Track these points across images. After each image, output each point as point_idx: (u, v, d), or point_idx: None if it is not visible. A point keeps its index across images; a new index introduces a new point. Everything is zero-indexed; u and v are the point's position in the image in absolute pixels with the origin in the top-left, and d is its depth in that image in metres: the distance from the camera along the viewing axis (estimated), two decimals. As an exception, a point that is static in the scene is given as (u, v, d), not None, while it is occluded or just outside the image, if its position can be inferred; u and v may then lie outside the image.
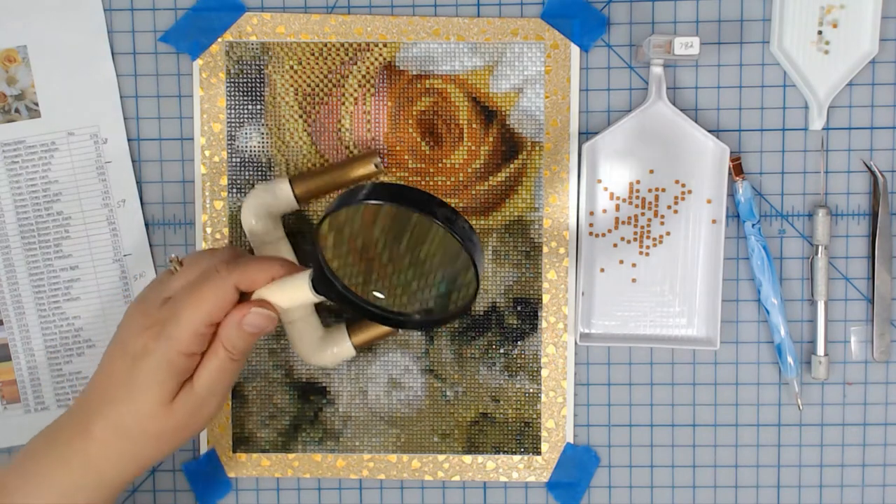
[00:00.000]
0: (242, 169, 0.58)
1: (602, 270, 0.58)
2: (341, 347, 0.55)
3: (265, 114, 0.58)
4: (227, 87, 0.58)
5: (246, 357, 0.49)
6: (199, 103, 0.58)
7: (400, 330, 0.57)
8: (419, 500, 0.59)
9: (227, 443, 0.59)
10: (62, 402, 0.59)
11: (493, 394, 0.59)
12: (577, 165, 0.57)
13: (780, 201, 0.58)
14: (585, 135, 0.58)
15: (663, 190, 0.57)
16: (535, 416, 0.58)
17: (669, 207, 0.57)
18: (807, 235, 0.58)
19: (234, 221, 0.58)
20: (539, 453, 0.59)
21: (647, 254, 0.58)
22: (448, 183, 0.58)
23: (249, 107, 0.58)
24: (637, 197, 0.57)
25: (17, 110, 0.58)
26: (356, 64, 0.57)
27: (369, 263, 0.47)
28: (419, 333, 0.58)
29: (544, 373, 0.58)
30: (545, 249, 0.58)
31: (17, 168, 0.58)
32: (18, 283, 0.58)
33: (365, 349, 0.58)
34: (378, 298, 0.48)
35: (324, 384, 0.59)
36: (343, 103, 0.58)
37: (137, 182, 0.58)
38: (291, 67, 0.57)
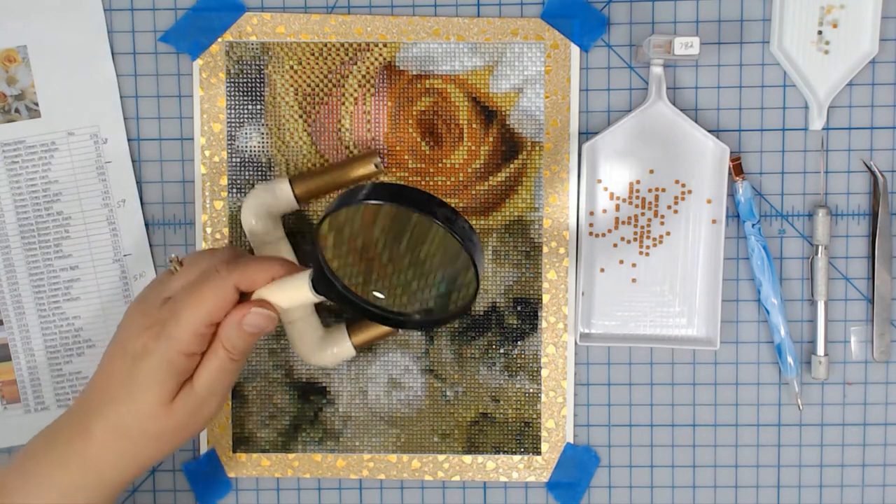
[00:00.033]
0: (242, 169, 0.58)
1: (602, 270, 0.58)
2: (341, 347, 0.55)
3: (265, 114, 0.58)
4: (227, 87, 0.58)
5: (246, 357, 0.49)
6: (199, 103, 0.58)
7: (400, 330, 0.57)
8: (419, 500, 0.59)
9: (227, 443, 0.59)
10: (62, 402, 0.59)
11: (493, 394, 0.59)
12: (577, 165, 0.57)
13: (780, 201, 0.58)
14: (585, 135, 0.58)
15: (663, 190, 0.57)
16: (535, 416, 0.58)
17: (669, 207, 0.57)
18: (807, 235, 0.58)
19: (234, 221, 0.58)
20: (539, 453, 0.59)
21: (647, 254, 0.58)
22: (448, 183, 0.58)
23: (249, 107, 0.58)
24: (637, 197, 0.57)
25: (17, 110, 0.58)
26: (356, 64, 0.57)
27: (369, 263, 0.47)
28: (419, 333, 0.58)
29: (544, 373, 0.58)
30: (545, 249, 0.58)
31: (17, 168, 0.58)
32: (18, 283, 0.58)
33: (365, 349, 0.58)
34: (378, 298, 0.48)
35: (324, 384, 0.59)
36: (343, 103, 0.58)
37: (137, 182, 0.58)
38: (291, 67, 0.57)
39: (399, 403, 0.59)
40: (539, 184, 0.58)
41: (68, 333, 0.59)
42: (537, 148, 0.58)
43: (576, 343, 0.58)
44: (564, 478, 0.59)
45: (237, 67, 0.57)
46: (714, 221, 0.57)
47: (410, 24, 0.57)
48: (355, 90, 0.57)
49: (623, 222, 0.58)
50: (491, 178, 0.58)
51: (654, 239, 0.58)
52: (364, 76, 0.57)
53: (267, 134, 0.58)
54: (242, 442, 0.59)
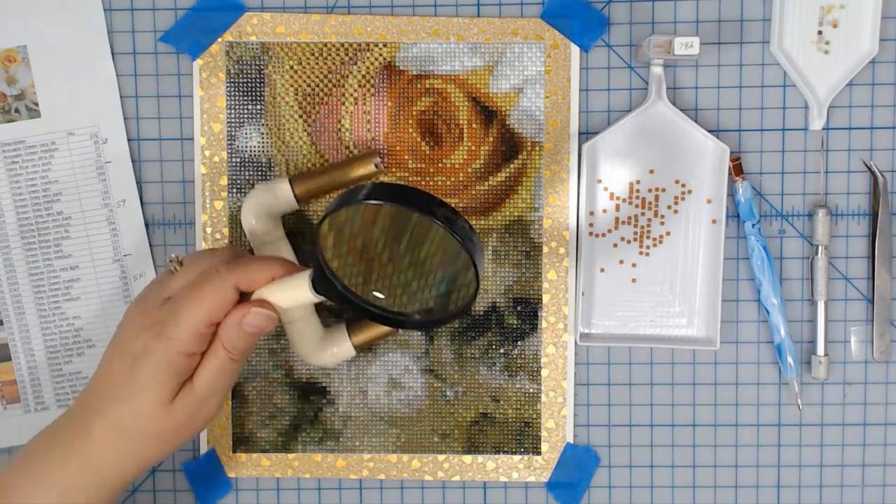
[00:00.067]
0: (242, 169, 0.58)
1: (602, 270, 0.58)
2: (341, 347, 0.55)
3: (265, 114, 0.58)
4: (227, 87, 0.58)
5: (246, 357, 0.49)
6: (199, 103, 0.58)
7: (400, 330, 0.57)
8: (419, 500, 0.59)
9: (227, 443, 0.59)
10: (62, 402, 0.59)
11: (493, 394, 0.59)
12: (577, 165, 0.57)
13: (780, 201, 0.58)
14: (585, 135, 0.58)
15: (663, 190, 0.57)
16: (535, 416, 0.58)
17: (669, 207, 0.57)
18: (807, 235, 0.58)
19: (234, 221, 0.58)
20: (539, 453, 0.59)
21: (647, 254, 0.58)
22: (448, 183, 0.58)
23: (249, 107, 0.58)
24: (637, 197, 0.57)
25: (17, 110, 0.58)
26: (356, 64, 0.57)
27: (369, 263, 0.47)
28: (419, 333, 0.58)
29: (544, 373, 0.58)
30: (545, 249, 0.58)
31: (17, 168, 0.58)
32: (18, 283, 0.58)
33: (365, 349, 0.58)
34: (378, 298, 0.48)
35: (324, 384, 0.59)
36: (343, 103, 0.58)
37: (137, 182, 0.58)
38: (291, 67, 0.57)
39: (399, 403, 0.59)
40: (539, 184, 0.58)
41: (68, 333, 0.59)
42: (537, 148, 0.58)
43: (576, 343, 0.58)
44: (564, 478, 0.59)
45: (237, 67, 0.57)
46: (714, 221, 0.57)
47: (410, 24, 0.57)
48: (355, 90, 0.57)
49: (623, 222, 0.58)
50: (491, 178, 0.58)
51: (654, 239, 0.58)
52: (364, 76, 0.57)
53: (267, 134, 0.58)
54: (242, 442, 0.59)
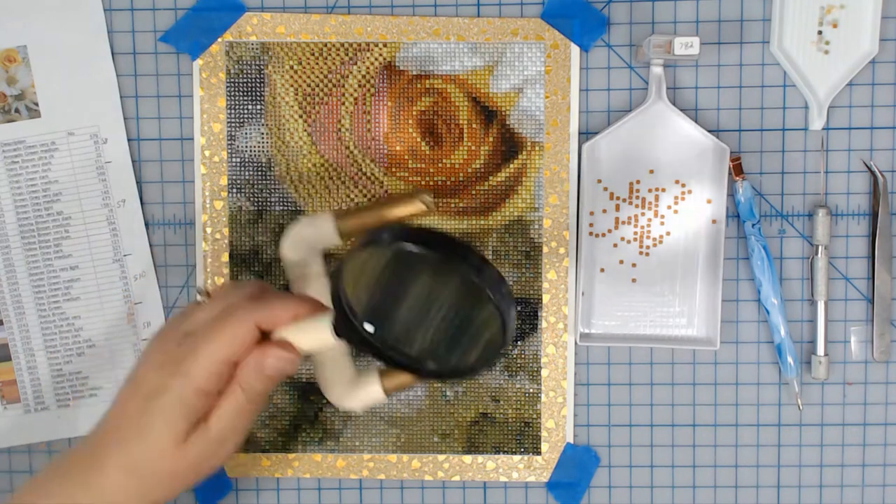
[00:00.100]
0: (242, 169, 0.58)
1: (602, 270, 0.58)
2: (371, 392, 0.52)
3: (265, 114, 0.58)
4: (227, 87, 0.58)
5: (264, 399, 0.47)
6: (199, 103, 0.58)
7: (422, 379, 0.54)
8: (419, 500, 0.59)
9: (227, 443, 0.59)
10: (62, 402, 0.59)
11: (493, 394, 0.59)
12: (577, 165, 0.57)
13: (780, 201, 0.58)
14: (585, 135, 0.58)
15: (663, 190, 0.57)
16: (535, 416, 0.58)
17: (669, 207, 0.57)
18: (807, 235, 0.58)
19: (234, 221, 0.58)
20: (539, 453, 0.59)
21: (647, 254, 0.58)
22: (448, 183, 0.58)
23: (249, 107, 0.58)
24: (637, 197, 0.57)
25: (17, 110, 0.58)
26: (356, 64, 0.57)
27: (392, 308, 0.44)
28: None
29: (544, 373, 0.58)
30: (545, 249, 0.58)
31: (17, 168, 0.58)
32: (18, 283, 0.58)
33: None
34: (399, 344, 0.45)
35: (324, 384, 0.59)
36: (343, 103, 0.58)
37: (137, 182, 0.58)
38: (291, 67, 0.57)
39: (399, 403, 0.59)
40: (539, 184, 0.58)
41: (68, 333, 0.59)
42: (537, 148, 0.58)
43: (576, 343, 0.58)
44: (564, 478, 0.59)
45: (237, 67, 0.57)
46: (714, 221, 0.57)
47: (410, 24, 0.57)
48: (355, 90, 0.57)
49: (623, 222, 0.58)
50: (491, 178, 0.58)
51: (654, 239, 0.58)
52: (364, 76, 0.57)
53: (267, 134, 0.58)
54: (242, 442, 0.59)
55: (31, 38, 0.57)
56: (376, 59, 0.57)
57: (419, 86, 0.57)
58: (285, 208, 0.58)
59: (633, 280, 0.58)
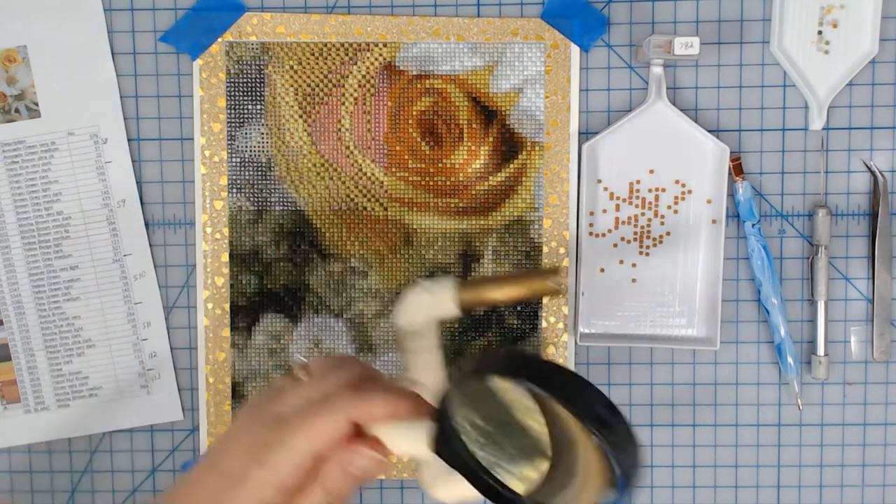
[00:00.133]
0: (242, 169, 0.58)
1: (602, 270, 0.58)
2: (465, 489, 0.46)
3: (265, 114, 0.58)
4: (227, 87, 0.58)
5: (346, 500, 0.43)
6: (199, 103, 0.58)
7: None
8: (419, 500, 0.59)
9: (227, 443, 0.59)
10: (62, 402, 0.59)
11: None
12: (577, 165, 0.57)
13: (780, 201, 0.58)
14: (585, 135, 0.58)
15: (663, 190, 0.57)
16: (535, 416, 0.58)
17: (669, 207, 0.57)
18: (807, 235, 0.58)
19: (234, 221, 0.58)
20: (539, 453, 0.58)
21: (647, 254, 0.58)
22: (448, 183, 0.58)
23: (249, 107, 0.58)
24: (637, 197, 0.57)
25: (17, 110, 0.58)
26: (356, 64, 0.57)
27: (500, 437, 0.40)
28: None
29: (544, 373, 0.58)
30: (545, 249, 0.58)
31: (17, 168, 0.58)
32: (18, 283, 0.58)
33: (367, 350, 0.58)
34: (500, 476, 0.40)
35: (324, 384, 0.59)
36: (343, 103, 0.58)
37: (137, 182, 0.58)
38: (291, 67, 0.57)
39: (399, 403, 0.59)
40: (539, 184, 0.58)
41: (68, 333, 0.59)
42: (537, 148, 0.58)
43: (576, 343, 0.58)
44: (564, 478, 0.59)
45: (237, 67, 0.57)
46: (714, 221, 0.57)
47: (410, 24, 0.57)
48: (355, 90, 0.57)
49: (623, 222, 0.58)
50: (491, 178, 0.58)
51: (654, 239, 0.58)
52: (364, 76, 0.57)
53: (267, 134, 0.58)
54: (242, 442, 0.59)
55: (31, 38, 0.57)
56: (376, 59, 0.57)
57: (419, 86, 0.57)
58: (285, 208, 0.58)
59: (633, 280, 0.58)
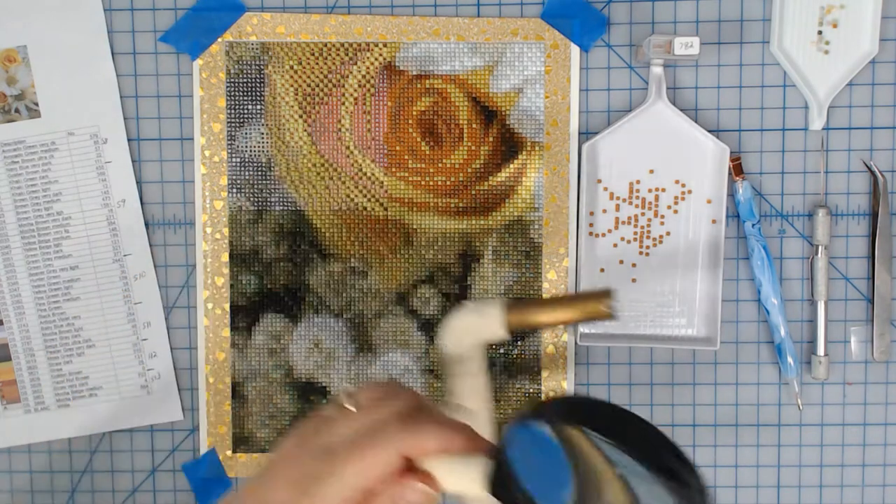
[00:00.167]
0: (242, 169, 0.58)
1: (602, 270, 0.58)
2: None
3: (265, 114, 0.58)
4: (227, 87, 0.58)
5: None
6: (199, 103, 0.58)
7: None
8: (419, 500, 0.59)
9: (227, 443, 0.59)
10: (62, 402, 0.59)
11: (494, 394, 0.59)
12: (577, 165, 0.57)
13: (780, 201, 0.58)
14: (585, 135, 0.58)
15: (663, 190, 0.57)
16: (535, 416, 0.58)
17: (669, 207, 0.57)
18: (807, 235, 0.58)
19: (234, 221, 0.58)
20: (539, 453, 0.58)
21: (647, 254, 0.58)
22: (448, 183, 0.58)
23: (249, 107, 0.58)
24: (637, 197, 0.57)
25: (17, 110, 0.58)
26: (356, 64, 0.57)
27: (561, 479, 0.38)
28: (419, 332, 0.58)
29: (544, 373, 0.58)
30: (545, 249, 0.58)
31: (17, 168, 0.58)
32: (18, 283, 0.58)
33: (367, 350, 0.58)
34: None
35: (324, 384, 0.59)
36: (343, 103, 0.58)
37: (137, 182, 0.58)
38: (291, 67, 0.57)
39: (399, 403, 0.59)
40: (539, 184, 0.58)
41: (68, 333, 0.59)
42: (537, 148, 0.58)
43: (576, 343, 0.58)
44: (564, 478, 0.59)
45: (237, 67, 0.57)
46: (714, 221, 0.57)
47: (410, 24, 0.57)
48: (355, 90, 0.57)
49: (623, 222, 0.58)
50: (491, 178, 0.58)
51: (654, 239, 0.58)
52: (364, 76, 0.57)
53: (267, 134, 0.58)
54: (242, 442, 0.59)
55: (31, 38, 0.57)
56: (376, 59, 0.57)
57: (419, 86, 0.57)
58: (285, 208, 0.58)
59: (633, 280, 0.58)
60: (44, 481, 0.60)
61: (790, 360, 0.57)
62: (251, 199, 0.58)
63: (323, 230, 0.58)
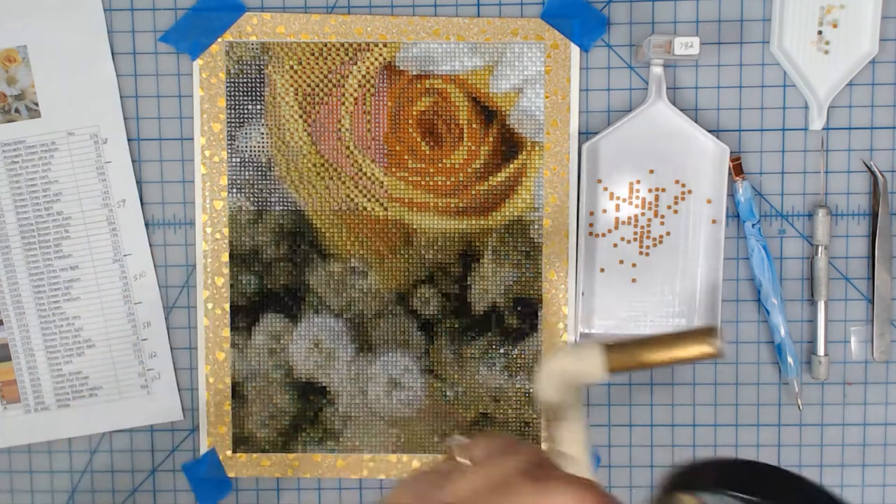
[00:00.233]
0: (242, 169, 0.58)
1: (602, 270, 0.58)
2: None
3: (265, 114, 0.58)
4: (227, 87, 0.58)
5: None
6: (199, 103, 0.58)
7: None
8: (419, 500, 0.59)
9: (227, 443, 0.59)
10: (62, 402, 0.59)
11: (493, 394, 0.59)
12: (577, 165, 0.57)
13: (780, 201, 0.58)
14: (585, 135, 0.58)
15: (663, 190, 0.57)
16: (535, 416, 0.58)
17: (669, 207, 0.57)
18: (807, 235, 0.58)
19: (234, 221, 0.58)
20: (539, 453, 0.59)
21: (647, 254, 0.58)
22: (448, 183, 0.58)
23: (249, 107, 0.58)
24: (637, 197, 0.57)
25: (17, 110, 0.58)
26: (356, 64, 0.57)
27: None
28: (419, 332, 0.58)
29: (544, 373, 0.58)
30: (545, 249, 0.58)
31: (17, 168, 0.58)
32: (18, 283, 0.58)
33: (367, 350, 0.58)
34: None
35: (324, 384, 0.59)
36: (343, 103, 0.58)
37: (137, 182, 0.58)
38: (291, 67, 0.57)
39: (399, 403, 0.59)
40: (539, 184, 0.58)
41: (68, 333, 0.59)
42: (537, 148, 0.58)
43: (576, 343, 0.58)
44: (564, 478, 0.59)
45: (237, 67, 0.57)
46: (714, 221, 0.57)
47: (410, 24, 0.57)
48: (355, 90, 0.57)
49: (623, 222, 0.58)
50: (491, 178, 0.58)
51: (654, 239, 0.58)
52: (364, 76, 0.57)
53: (267, 134, 0.58)
54: (242, 442, 0.59)
55: (31, 38, 0.57)
56: (376, 59, 0.57)
57: (419, 86, 0.57)
58: (285, 208, 0.58)
59: (633, 280, 0.58)
60: (44, 481, 0.60)
61: (790, 360, 0.57)
62: (251, 199, 0.58)
63: (323, 230, 0.58)
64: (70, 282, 0.58)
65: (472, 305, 0.58)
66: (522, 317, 0.58)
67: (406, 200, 0.58)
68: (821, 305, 0.57)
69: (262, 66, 0.57)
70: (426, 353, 0.58)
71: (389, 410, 0.59)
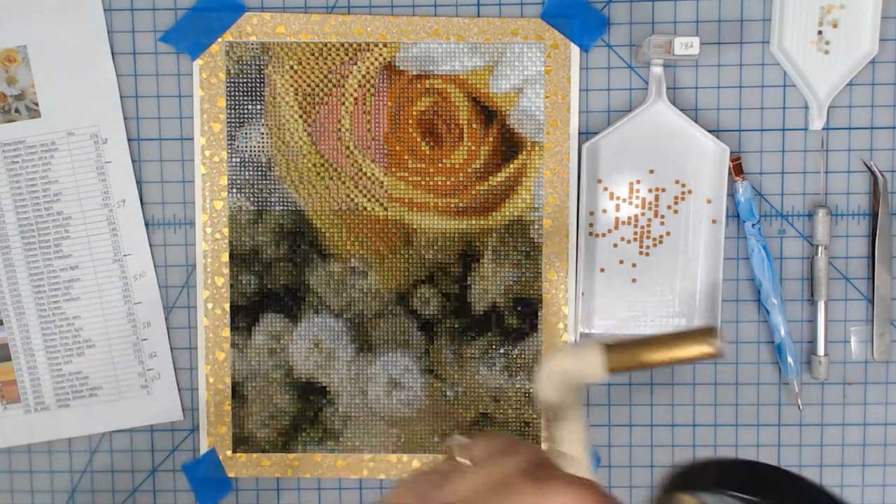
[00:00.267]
0: (242, 169, 0.58)
1: (602, 270, 0.58)
2: None
3: (265, 114, 0.58)
4: (227, 87, 0.58)
5: None
6: (199, 103, 0.58)
7: None
8: (419, 500, 0.59)
9: (227, 443, 0.59)
10: (62, 402, 0.59)
11: (493, 394, 0.59)
12: (577, 165, 0.57)
13: (780, 201, 0.58)
14: (585, 135, 0.58)
15: (663, 190, 0.57)
16: (535, 416, 0.58)
17: (669, 207, 0.57)
18: (807, 235, 0.58)
19: (234, 221, 0.58)
20: (539, 453, 0.59)
21: (647, 254, 0.58)
22: (448, 183, 0.58)
23: (249, 107, 0.58)
24: (637, 197, 0.57)
25: (17, 110, 0.58)
26: (356, 64, 0.57)
27: None
28: (419, 332, 0.58)
29: (544, 373, 0.58)
30: (545, 249, 0.58)
31: (17, 168, 0.58)
32: (18, 283, 0.58)
33: (367, 350, 0.58)
34: None
35: (324, 384, 0.59)
36: (343, 103, 0.58)
37: (137, 182, 0.58)
38: (291, 67, 0.57)
39: (399, 403, 0.59)
40: (539, 184, 0.58)
41: (68, 333, 0.59)
42: (537, 148, 0.58)
43: (576, 343, 0.58)
44: (564, 478, 0.59)
45: (237, 67, 0.57)
46: (714, 221, 0.57)
47: (410, 24, 0.57)
48: (355, 90, 0.57)
49: (623, 222, 0.58)
50: (491, 178, 0.58)
51: (654, 239, 0.58)
52: (364, 76, 0.57)
53: (267, 134, 0.58)
54: (242, 442, 0.59)
55: (31, 38, 0.57)
56: (376, 59, 0.57)
57: (419, 86, 0.57)
58: (285, 208, 0.58)
59: (633, 280, 0.58)
60: (44, 481, 0.60)
61: (790, 360, 0.57)
62: (251, 199, 0.58)
63: (323, 230, 0.58)
64: (70, 282, 0.59)
65: (472, 305, 0.58)
66: (522, 317, 0.58)
67: (406, 200, 0.58)
68: (821, 305, 0.57)
69: (262, 66, 0.57)
70: (426, 353, 0.58)
71: (389, 410, 0.59)
